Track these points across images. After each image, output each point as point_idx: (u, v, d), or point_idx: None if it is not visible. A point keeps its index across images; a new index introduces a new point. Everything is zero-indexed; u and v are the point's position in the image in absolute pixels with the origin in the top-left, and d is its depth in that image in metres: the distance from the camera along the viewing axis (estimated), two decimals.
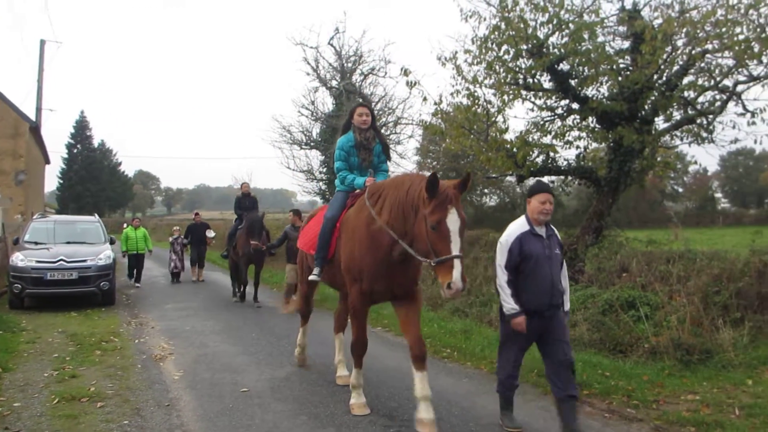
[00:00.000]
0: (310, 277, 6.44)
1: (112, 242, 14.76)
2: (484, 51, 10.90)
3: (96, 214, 17.72)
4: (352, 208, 5.97)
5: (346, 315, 7.15)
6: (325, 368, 7.82)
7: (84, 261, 12.88)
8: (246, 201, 14.58)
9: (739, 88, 10.15)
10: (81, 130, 73.72)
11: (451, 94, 11.39)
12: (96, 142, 77.18)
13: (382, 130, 21.60)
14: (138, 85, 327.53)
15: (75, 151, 73.12)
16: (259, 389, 6.89)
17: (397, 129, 22.12)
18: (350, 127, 6.42)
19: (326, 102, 23.35)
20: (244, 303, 14.06)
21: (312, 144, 23.48)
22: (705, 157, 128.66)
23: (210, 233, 18.56)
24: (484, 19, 10.93)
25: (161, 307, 13.26)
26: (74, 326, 10.74)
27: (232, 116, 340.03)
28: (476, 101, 11.24)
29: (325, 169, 23.17)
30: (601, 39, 10.95)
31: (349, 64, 22.39)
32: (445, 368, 7.82)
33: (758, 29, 9.19)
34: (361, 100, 21.99)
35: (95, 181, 71.79)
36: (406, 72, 11.35)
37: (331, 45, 22.12)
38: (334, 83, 22.41)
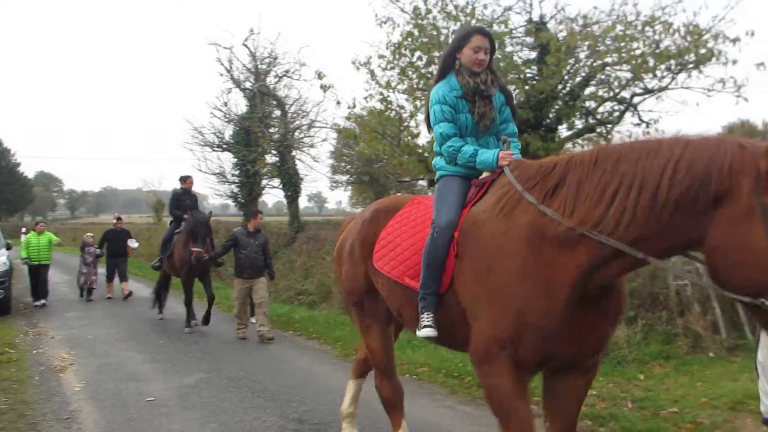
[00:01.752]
0: (423, 332, 3.56)
1: (8, 248, 14.01)
2: (397, 57, 11.01)
3: None
4: (481, 204, 3.49)
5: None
6: (235, 374, 7.66)
7: None
8: (187, 199, 11.63)
9: (636, 99, 10.73)
10: None
11: (365, 98, 11.48)
12: None
13: (296, 134, 21.51)
14: (40, 82, 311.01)
15: None
16: (165, 398, 6.68)
17: (311, 132, 21.99)
18: (451, 68, 3.90)
19: (240, 104, 22.96)
20: (166, 319, 11.92)
21: (224, 146, 22.98)
22: None
23: (132, 243, 15.93)
24: (398, 26, 11.05)
25: (62, 316, 12.61)
26: None
27: (140, 117, 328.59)
28: (389, 106, 11.35)
29: (237, 172, 22.72)
30: (509, 49, 11.28)
31: (264, 66, 22.08)
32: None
33: (653, 45, 9.76)
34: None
35: None
36: (320, 75, 11.33)
37: (246, 46, 21.75)
38: (248, 85, 22.03)
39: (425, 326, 3.54)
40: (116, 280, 15.84)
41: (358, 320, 4.71)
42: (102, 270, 16.34)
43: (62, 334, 10.59)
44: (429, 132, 4.09)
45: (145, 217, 37.52)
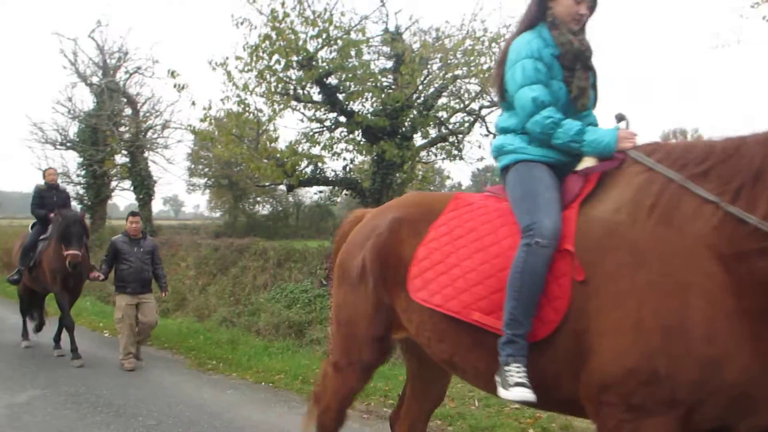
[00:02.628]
0: (513, 394, 2.48)
1: None
2: (255, 59, 10.87)
3: None
4: (600, 203, 2.57)
5: (423, 424, 4.00)
6: (75, 389, 7.16)
7: None
8: (54, 195, 9.70)
9: (484, 111, 11.40)
10: None
11: (222, 100, 11.23)
12: None
13: (149, 134, 20.55)
14: None
15: None
16: None
17: (165, 133, 21.09)
18: (541, 18, 2.91)
19: (86, 99, 21.59)
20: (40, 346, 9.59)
21: (68, 144, 21.45)
22: (459, 173, 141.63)
23: None
24: (256, 28, 10.93)
25: None
26: None
27: None
28: (247, 109, 11.18)
29: (83, 172, 21.29)
30: (367, 57, 11.54)
31: (113, 61, 20.87)
32: (210, 380, 7.62)
33: None
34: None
35: None
36: (173, 74, 10.94)
37: (92, 38, 20.45)
38: (95, 80, 20.72)
39: (517, 384, 2.44)
40: None
41: (336, 349, 3.53)
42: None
43: None
44: (501, 99, 3.00)
45: None
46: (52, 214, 9.18)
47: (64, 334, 9.01)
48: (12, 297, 15.94)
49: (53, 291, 9.12)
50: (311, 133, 12.16)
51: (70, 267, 8.32)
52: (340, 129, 11.99)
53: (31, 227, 9.91)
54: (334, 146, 12.01)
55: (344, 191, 13.07)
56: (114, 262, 8.54)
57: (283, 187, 15.23)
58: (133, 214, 9.07)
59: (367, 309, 3.20)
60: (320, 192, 13.37)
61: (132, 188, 20.18)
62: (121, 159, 20.26)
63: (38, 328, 9.86)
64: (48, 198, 9.63)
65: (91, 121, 20.05)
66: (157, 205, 22.64)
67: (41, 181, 10.00)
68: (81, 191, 21.62)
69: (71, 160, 21.80)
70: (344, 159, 12.34)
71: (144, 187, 19.54)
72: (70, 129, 21.55)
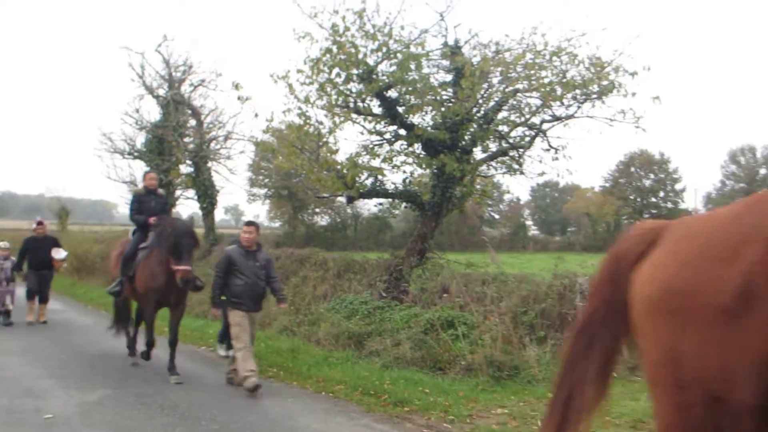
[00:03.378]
0: None
1: None
2: (316, 72, 11.04)
3: None
4: None
5: None
6: (143, 390, 7.40)
7: None
8: (152, 201, 9.06)
9: (545, 126, 11.24)
10: None
11: (283, 112, 11.43)
12: None
13: (212, 145, 21.10)
14: None
15: None
16: (66, 415, 6.37)
17: (227, 144, 21.62)
18: None
19: (153, 111, 22.33)
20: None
21: (136, 154, 22.25)
22: (518, 187, 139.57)
23: (59, 253, 12.80)
24: (317, 42, 11.11)
25: None
26: None
27: (45, 119, 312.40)
28: (308, 121, 11.35)
29: None
30: (426, 70, 11.56)
31: (178, 74, 21.56)
32: (271, 388, 7.73)
33: (560, 74, 10.27)
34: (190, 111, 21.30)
35: None
36: (237, 86, 11.22)
37: (159, 52, 21.19)
38: (161, 92, 21.45)
39: None
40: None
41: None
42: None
43: None
44: None
45: (49, 224, 35.58)
46: (151, 220, 8.58)
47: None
48: (81, 299, 16.62)
49: (143, 305, 8.61)
50: (371, 146, 12.26)
51: (181, 283, 7.65)
52: (399, 142, 12.04)
53: (132, 234, 9.33)
54: (394, 159, 12.07)
55: (403, 204, 13.10)
56: (227, 274, 7.64)
57: (341, 199, 15.38)
58: (248, 223, 8.12)
59: (754, 355, 1.85)
60: (379, 204, 13.44)
61: (196, 197, 20.74)
62: (185, 169, 20.88)
63: (149, 346, 8.71)
64: (146, 203, 9.03)
65: (158, 131, 20.73)
66: (218, 214, 23.19)
67: (139, 186, 9.96)
68: None
69: (138, 169, 22.54)
70: (404, 172, 12.40)
71: (207, 196, 20.05)
72: (137, 139, 22.38)
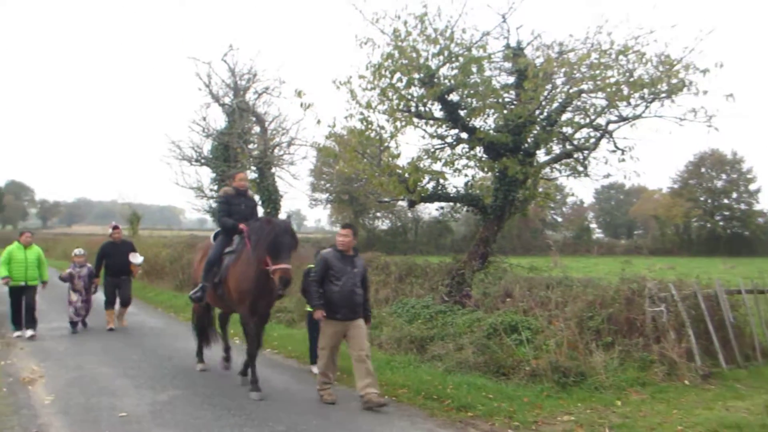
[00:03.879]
0: None
1: None
2: (377, 77, 11.11)
3: None
4: None
5: None
6: (210, 391, 7.60)
7: None
8: (242, 203, 8.50)
9: (611, 126, 10.95)
10: None
11: (345, 117, 11.55)
12: None
13: (275, 151, 21.54)
14: (12, 89, 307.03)
15: None
16: (138, 414, 6.61)
17: (290, 150, 22.02)
18: None
19: (218, 119, 22.96)
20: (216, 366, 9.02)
21: (203, 161, 22.93)
22: (582, 190, 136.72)
23: (137, 257, 12.61)
24: (378, 47, 11.17)
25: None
26: None
27: (117, 127, 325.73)
28: (369, 126, 11.43)
29: (216, 187, 22.68)
30: (488, 73, 11.46)
31: (243, 82, 22.15)
32: (335, 391, 7.80)
33: (627, 74, 10.00)
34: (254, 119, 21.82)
35: None
36: (300, 93, 11.39)
37: (225, 61, 21.81)
38: (227, 100, 22.06)
39: None
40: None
41: None
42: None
43: (32, 345, 10.39)
44: None
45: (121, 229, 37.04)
46: (242, 226, 7.91)
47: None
48: (152, 302, 17.16)
49: (239, 312, 7.92)
50: (432, 150, 12.24)
51: (281, 284, 7.07)
52: (461, 145, 11.99)
53: (213, 237, 8.75)
54: (456, 162, 12.02)
55: (465, 208, 13.03)
56: (323, 280, 7.24)
57: (402, 203, 15.40)
58: (345, 226, 7.67)
59: None
60: (441, 208, 13.40)
61: (260, 202, 21.18)
62: (250, 174, 21.36)
63: (227, 359, 8.83)
64: (236, 206, 8.38)
65: (223, 138, 21.31)
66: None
67: (228, 187, 8.89)
68: (213, 205, 23.00)
69: (204, 176, 23.32)
70: (465, 175, 12.32)
71: (271, 201, 20.47)
72: (204, 146, 23.03)
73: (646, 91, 10.03)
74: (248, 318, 7.69)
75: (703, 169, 60.57)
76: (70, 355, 9.60)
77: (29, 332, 11.03)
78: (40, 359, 9.27)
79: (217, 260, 8.15)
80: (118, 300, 12.39)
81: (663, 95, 10.04)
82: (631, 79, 9.85)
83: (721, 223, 57.88)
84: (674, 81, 9.81)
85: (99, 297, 12.84)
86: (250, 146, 21.28)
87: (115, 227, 13.17)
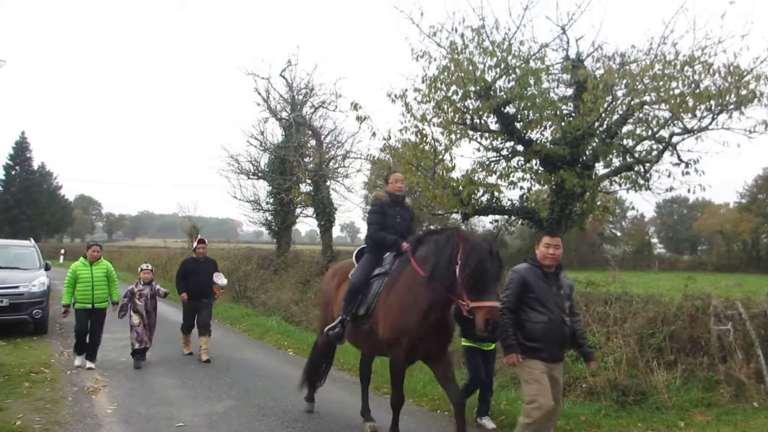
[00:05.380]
0: None
1: (47, 268, 14.12)
2: (433, 90, 11.10)
3: (32, 239, 16.68)
4: None
5: None
6: (264, 402, 7.68)
7: (17, 287, 12.29)
8: (398, 215, 6.60)
9: (675, 139, 10.62)
10: (21, 151, 71.24)
11: (400, 130, 11.55)
12: (36, 165, 74.74)
13: (331, 164, 21.74)
14: (82, 107, 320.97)
15: (13, 173, 70.58)
16: (195, 424, 6.73)
17: (345, 163, 22.19)
18: None
19: (275, 133, 23.33)
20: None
21: (260, 174, 23.33)
22: (642, 203, 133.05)
23: (221, 279, 11.02)
24: (434, 60, 11.16)
25: None
26: (2, 356, 10.25)
27: (177, 143, 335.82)
28: (424, 139, 11.41)
29: (272, 200, 23.03)
30: (546, 85, 11.29)
31: (300, 97, 22.46)
32: (386, 404, 7.76)
33: (692, 85, 9.69)
34: (310, 132, 22.09)
35: (33, 205, 69.22)
36: (356, 107, 11.47)
37: (283, 77, 22.17)
38: (284, 114, 22.40)
39: None
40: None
41: None
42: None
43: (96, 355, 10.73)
44: None
45: (180, 242, 37.94)
46: (405, 245, 6.18)
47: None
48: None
49: (390, 356, 6.06)
50: (487, 162, 12.13)
51: (486, 328, 5.05)
52: (517, 158, 11.83)
53: (356, 256, 6.97)
54: (511, 175, 11.86)
55: (520, 221, 12.84)
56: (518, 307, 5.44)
57: (456, 216, 15.29)
58: (552, 233, 5.72)
59: None
60: (495, 221, 13.22)
61: (314, 215, 21.40)
62: (305, 187, 21.62)
63: (396, 407, 6.36)
64: (391, 217, 6.49)
65: (280, 152, 21.63)
66: (335, 232, 23.81)
67: (380, 191, 7.00)
68: (269, 217, 23.37)
69: (261, 189, 23.62)
70: (521, 188, 12.14)
71: (325, 214, 20.62)
72: (261, 160, 23.43)
73: (712, 102, 9.70)
74: (402, 364, 5.97)
75: None
76: (131, 366, 9.85)
77: (89, 364, 9.64)
78: (103, 369, 9.55)
79: (364, 285, 6.31)
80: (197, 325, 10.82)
81: (731, 107, 9.69)
82: (697, 91, 9.54)
83: None
84: (743, 92, 9.45)
85: (169, 317, 12.43)
86: (306, 159, 21.53)
87: (201, 241, 11.42)
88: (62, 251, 39.30)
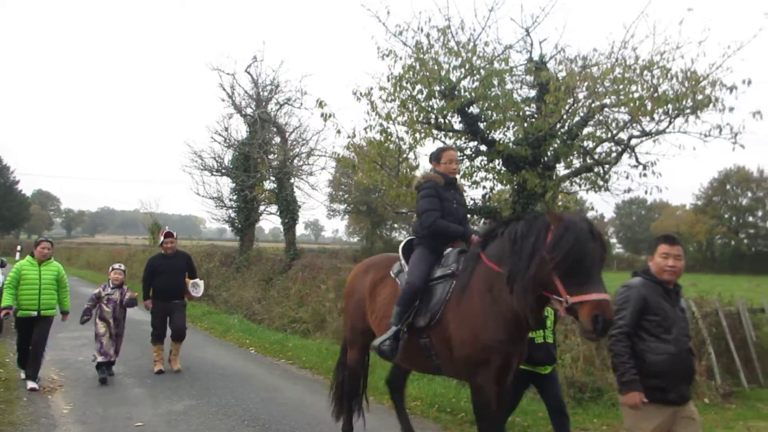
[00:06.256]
0: None
1: (2, 265, 13.73)
2: (398, 89, 11.11)
3: None
4: None
5: None
6: (225, 401, 7.61)
7: None
8: (453, 200, 5.54)
9: (633, 141, 10.83)
10: None
11: (365, 128, 11.54)
12: None
13: (295, 161, 21.64)
14: (42, 101, 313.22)
15: None
16: (154, 424, 6.65)
17: (310, 160, 22.09)
18: None
19: (240, 129, 23.16)
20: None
21: (223, 171, 23.07)
22: (601, 204, 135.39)
23: (198, 288, 9.84)
24: (400, 59, 11.16)
25: (53, 336, 12.41)
26: None
27: (140, 138, 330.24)
28: (389, 137, 11.42)
29: (235, 197, 22.80)
30: (509, 86, 11.42)
31: (265, 93, 22.27)
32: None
33: (651, 89, 9.90)
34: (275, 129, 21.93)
35: None
36: (321, 104, 11.42)
37: (248, 73, 21.97)
38: (249, 111, 22.19)
39: None
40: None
41: None
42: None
43: (52, 355, 10.40)
44: None
45: (141, 239, 37.35)
46: (475, 237, 5.17)
47: None
48: None
49: (473, 380, 4.70)
50: None
51: (596, 327, 3.94)
52: (480, 158, 11.92)
53: (403, 250, 5.62)
54: (474, 175, 11.95)
55: (482, 220, 12.95)
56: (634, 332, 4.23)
57: None
58: (667, 239, 4.49)
59: None
60: None
61: (278, 212, 21.27)
62: (269, 185, 21.47)
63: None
64: (447, 201, 5.38)
65: (244, 149, 21.44)
66: (299, 229, 23.73)
67: (432, 172, 5.68)
68: (232, 215, 23.14)
69: (225, 186, 23.35)
70: (483, 188, 12.23)
71: (289, 211, 20.50)
72: (225, 156, 23.17)
73: (670, 106, 9.91)
74: (490, 389, 4.59)
75: (727, 186, 59.97)
76: (89, 365, 9.58)
77: (30, 384, 8.12)
78: (60, 368, 9.37)
79: (423, 289, 5.05)
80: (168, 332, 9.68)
81: (688, 111, 9.92)
82: (656, 95, 9.75)
83: (745, 241, 57.18)
84: (700, 97, 9.69)
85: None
86: (270, 156, 21.37)
87: (168, 234, 10.03)
88: (18, 248, 38.32)
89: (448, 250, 5.22)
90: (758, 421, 6.97)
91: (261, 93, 22.10)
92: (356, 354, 5.96)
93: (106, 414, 6.96)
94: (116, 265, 9.46)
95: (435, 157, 5.63)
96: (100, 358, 8.68)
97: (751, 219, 58.55)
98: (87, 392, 7.99)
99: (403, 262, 5.45)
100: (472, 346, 4.56)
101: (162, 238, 10.08)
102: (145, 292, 9.59)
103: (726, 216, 58.93)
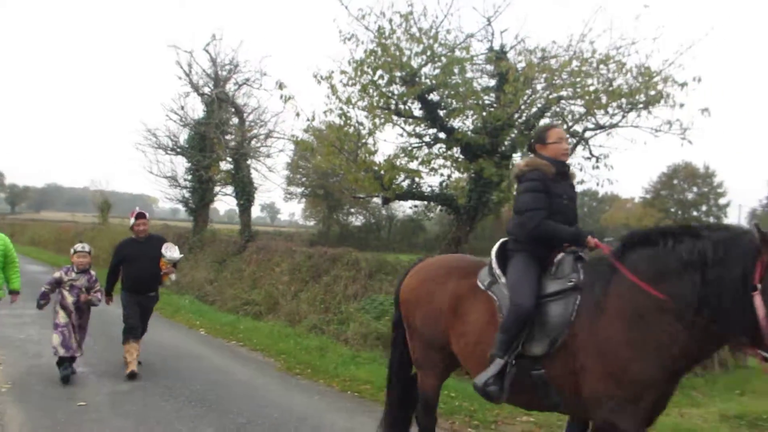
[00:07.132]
0: None
1: None
2: (359, 74, 11.06)
3: None
4: None
5: None
6: (172, 383, 7.50)
7: None
8: (563, 193, 4.36)
9: (587, 134, 11.07)
10: None
11: (325, 112, 11.45)
12: None
13: (253, 143, 21.38)
14: None
15: None
16: (97, 403, 6.51)
17: (268, 142, 21.81)
18: None
19: (197, 108, 22.61)
20: None
21: (178, 150, 22.58)
22: None
23: (172, 251, 8.12)
24: (362, 43, 11.11)
25: None
26: None
27: (91, 114, 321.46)
28: (348, 121, 11.38)
29: (190, 177, 22.37)
30: (470, 75, 11.49)
31: (224, 73, 21.84)
32: (298, 385, 7.78)
33: (606, 83, 10.10)
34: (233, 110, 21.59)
35: None
36: (281, 86, 11.29)
37: (207, 51, 21.51)
38: (206, 90, 21.74)
39: None
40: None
41: None
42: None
43: None
44: None
45: (91, 217, 36.39)
46: (601, 246, 4.20)
47: None
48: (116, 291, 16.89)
49: (613, 421, 3.58)
50: (410, 148, 12.22)
51: None
52: (438, 145, 12.00)
53: (496, 255, 4.56)
54: (432, 162, 12.02)
55: (439, 207, 13.05)
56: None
57: (377, 200, 15.38)
58: None
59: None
60: (415, 206, 13.39)
61: (234, 194, 20.98)
62: (225, 165, 21.14)
63: None
64: (556, 197, 4.31)
65: (200, 128, 21.03)
66: (255, 211, 23.49)
67: (533, 158, 4.47)
68: (187, 195, 22.72)
69: (179, 165, 22.85)
70: (441, 175, 12.33)
71: (245, 193, 20.26)
72: (180, 135, 22.69)
73: (624, 100, 10.14)
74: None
75: (675, 181, 61.78)
76: (31, 343, 9.37)
77: None
78: (0, 346, 9.07)
79: (535, 311, 3.95)
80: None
81: (640, 106, 10.16)
82: (610, 89, 9.95)
83: None
84: (652, 93, 9.92)
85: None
86: (227, 137, 21.02)
87: (140, 215, 8.29)
88: None
89: (560, 255, 4.16)
90: (692, 409, 7.22)
91: (219, 72, 21.68)
92: (433, 380, 4.80)
93: (47, 393, 6.78)
94: (78, 247, 7.83)
95: (539, 138, 4.45)
96: (61, 352, 7.38)
97: (695, 213, 60.50)
98: (28, 371, 7.76)
99: (498, 271, 4.33)
100: (620, 382, 3.53)
101: (132, 220, 8.31)
102: (109, 285, 8.18)
103: (672, 210, 60.73)
